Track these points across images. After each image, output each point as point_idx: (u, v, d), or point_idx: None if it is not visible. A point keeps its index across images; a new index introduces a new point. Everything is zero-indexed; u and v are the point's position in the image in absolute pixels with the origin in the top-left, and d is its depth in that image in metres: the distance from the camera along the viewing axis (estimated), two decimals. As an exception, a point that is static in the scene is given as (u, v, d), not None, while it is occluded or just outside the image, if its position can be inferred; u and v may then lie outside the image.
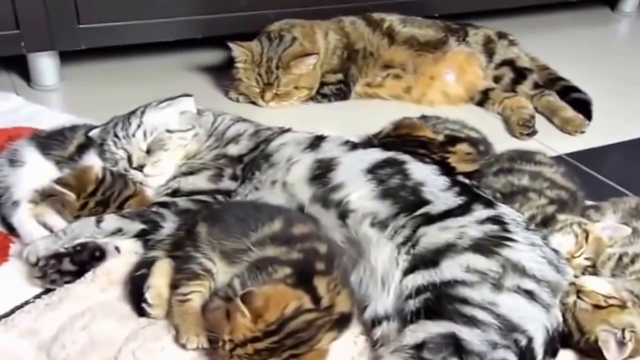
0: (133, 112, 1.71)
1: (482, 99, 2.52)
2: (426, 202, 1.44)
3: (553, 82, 2.61)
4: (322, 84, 2.50)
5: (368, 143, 1.87)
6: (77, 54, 2.46)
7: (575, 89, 2.55)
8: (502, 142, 2.11)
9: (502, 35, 2.65)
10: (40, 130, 1.81)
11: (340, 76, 2.52)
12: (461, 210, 1.41)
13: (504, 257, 1.32)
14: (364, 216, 1.45)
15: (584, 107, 2.46)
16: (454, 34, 2.59)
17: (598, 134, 2.36)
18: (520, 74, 2.56)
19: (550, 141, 2.29)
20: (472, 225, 1.37)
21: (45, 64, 2.42)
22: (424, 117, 2.01)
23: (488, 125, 2.23)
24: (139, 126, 1.66)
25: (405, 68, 2.51)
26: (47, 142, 1.69)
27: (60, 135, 1.72)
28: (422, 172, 1.52)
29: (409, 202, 1.45)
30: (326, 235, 1.43)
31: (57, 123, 1.95)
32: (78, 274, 1.46)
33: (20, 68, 2.47)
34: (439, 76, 2.51)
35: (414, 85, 2.51)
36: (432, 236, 1.37)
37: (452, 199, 1.44)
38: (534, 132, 2.32)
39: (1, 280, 1.48)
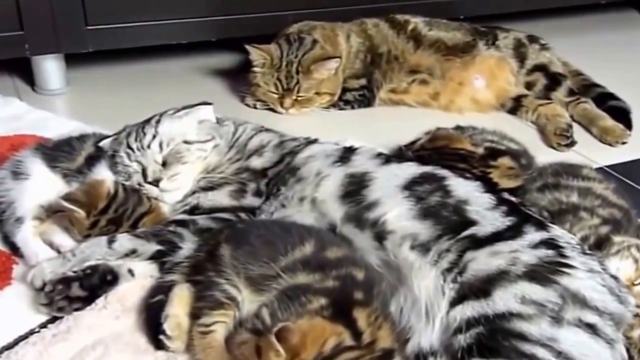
0: (147, 122, 1.59)
1: (514, 107, 2.40)
2: (471, 223, 1.32)
3: (588, 89, 2.49)
4: (345, 90, 2.40)
5: (400, 155, 1.75)
6: (84, 57, 2.38)
7: (613, 96, 2.42)
8: (537, 153, 1.97)
9: (533, 39, 2.53)
10: (46, 139, 1.73)
11: (363, 81, 2.42)
12: (511, 233, 1.29)
13: (562, 286, 1.20)
14: (404, 238, 1.33)
15: (622, 115, 2.33)
16: (482, 37, 2.48)
17: (640, 144, 2.23)
18: (554, 80, 2.44)
19: (589, 152, 2.17)
20: (525, 250, 1.25)
21: (50, 67, 2.34)
22: (459, 128, 1.88)
23: (521, 134, 2.09)
24: (154, 137, 1.54)
25: (432, 73, 2.40)
26: (54, 153, 1.59)
27: (67, 145, 1.62)
28: (464, 189, 1.40)
29: (452, 222, 1.33)
30: (362, 260, 1.31)
31: (63, 131, 1.90)
32: (88, 300, 1.34)
33: (24, 71, 2.40)
34: (468, 82, 2.40)
35: (442, 92, 2.40)
36: (482, 262, 1.25)
37: (499, 220, 1.32)
38: (573, 143, 2.19)
39: (3, 307, 1.36)
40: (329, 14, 2.52)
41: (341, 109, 2.40)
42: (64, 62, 2.36)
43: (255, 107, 2.36)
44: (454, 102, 2.40)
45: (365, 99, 2.43)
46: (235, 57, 2.68)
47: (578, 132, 2.27)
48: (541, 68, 2.46)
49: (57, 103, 2.32)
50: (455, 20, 2.58)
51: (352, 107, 2.41)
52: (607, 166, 2.08)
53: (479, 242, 1.28)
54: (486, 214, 1.33)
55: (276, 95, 2.29)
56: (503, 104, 2.41)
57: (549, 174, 1.71)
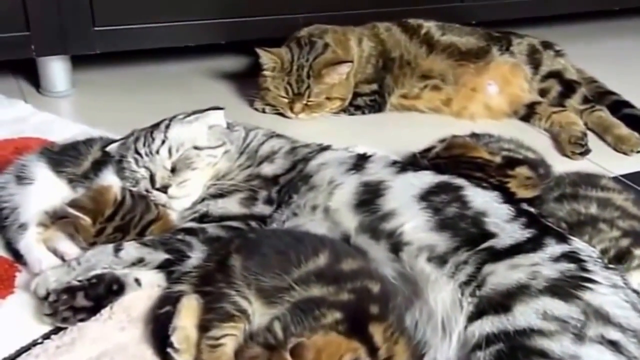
0: (156, 126, 1.55)
1: (528, 114, 2.36)
2: (490, 235, 1.29)
3: (602, 97, 2.44)
4: (355, 95, 2.36)
5: (414, 162, 1.71)
6: (90, 59, 2.36)
7: (627, 104, 2.37)
8: (551, 161, 1.92)
9: (547, 45, 2.49)
10: (51, 143, 1.69)
11: (374, 86, 2.38)
12: (531, 245, 1.25)
13: (585, 302, 1.15)
14: (420, 250, 1.29)
15: (637, 123, 2.29)
16: (496, 42, 2.44)
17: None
18: (569, 87, 2.39)
19: (604, 161, 2.13)
20: (545, 263, 1.21)
21: (56, 69, 2.31)
22: (475, 135, 1.83)
23: (534, 142, 2.04)
24: (163, 142, 1.50)
25: (444, 79, 2.36)
26: (59, 157, 1.55)
27: (73, 149, 1.58)
28: (482, 200, 1.36)
29: (470, 234, 1.29)
30: (377, 272, 1.27)
31: (68, 134, 1.87)
32: (93, 310, 1.29)
33: (30, 73, 2.37)
34: (481, 88, 2.36)
35: (454, 98, 2.36)
36: (501, 275, 1.21)
37: (519, 232, 1.29)
38: (587, 151, 2.15)
39: (5, 316, 1.31)
40: (340, 17, 2.49)
41: (351, 114, 2.36)
42: (70, 63, 2.33)
43: (264, 112, 2.33)
44: (467, 108, 2.36)
45: (377, 104, 2.39)
46: (244, 60, 2.65)
47: (592, 140, 2.22)
48: (556, 75, 2.42)
49: (62, 105, 2.28)
50: (468, 25, 2.54)
51: (363, 113, 2.38)
52: (622, 175, 2.03)
53: (497, 255, 1.24)
54: (505, 226, 1.29)
55: (286, 100, 2.25)
56: (516, 111, 2.37)
57: (567, 184, 1.66)
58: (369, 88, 2.37)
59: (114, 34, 2.29)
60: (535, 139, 2.16)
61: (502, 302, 1.16)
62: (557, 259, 1.22)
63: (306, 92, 2.23)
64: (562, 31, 3.05)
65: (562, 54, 2.48)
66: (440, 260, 1.26)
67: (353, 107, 2.36)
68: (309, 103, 2.25)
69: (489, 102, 2.36)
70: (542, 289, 1.16)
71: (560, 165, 1.92)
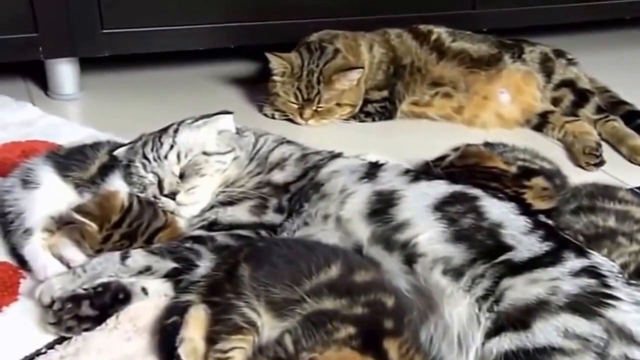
0: (165, 131, 1.51)
1: (540, 123, 2.33)
2: (507, 248, 1.25)
3: (615, 106, 2.40)
4: (366, 102, 2.33)
5: (426, 171, 1.67)
6: (98, 62, 2.34)
7: (641, 114, 2.34)
8: (564, 172, 1.89)
9: (559, 54, 2.46)
10: (58, 146, 1.66)
11: (385, 93, 2.36)
12: (550, 259, 1.21)
13: (607, 320, 1.11)
14: (435, 262, 1.25)
15: (652, 134, 2.25)
16: (508, 50, 2.40)
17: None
18: (582, 97, 2.36)
19: (618, 172, 2.09)
20: (565, 278, 1.17)
21: (64, 72, 2.29)
22: (488, 144, 1.80)
23: (546, 152, 2.02)
24: (171, 147, 1.47)
25: (456, 86, 2.33)
26: (66, 161, 1.52)
27: (80, 153, 1.55)
28: (498, 211, 1.32)
29: (486, 246, 1.25)
30: (391, 284, 1.23)
31: (76, 137, 1.86)
32: (98, 319, 1.26)
33: (38, 75, 2.35)
34: (493, 96, 2.32)
35: (466, 105, 2.33)
36: (520, 290, 1.16)
37: (537, 245, 1.25)
38: (602, 162, 2.11)
39: (9, 324, 1.29)
40: (351, 23, 2.46)
41: (361, 121, 2.34)
42: (78, 66, 2.31)
43: (273, 117, 2.30)
44: (478, 116, 2.32)
45: (387, 111, 2.36)
46: (253, 66, 2.64)
47: (606, 151, 2.18)
48: (568, 84, 2.38)
49: (70, 108, 2.27)
50: (479, 32, 2.51)
51: (373, 120, 2.35)
52: (638, 188, 1.98)
53: (515, 269, 1.20)
54: (522, 239, 1.26)
55: (296, 106, 2.23)
56: (528, 120, 2.34)
57: (584, 195, 1.62)
58: (380, 95, 2.35)
59: (122, 36, 2.27)
60: (547, 149, 2.12)
61: (521, 318, 1.12)
62: (577, 274, 1.18)
63: (316, 98, 2.21)
64: (573, 40, 3.01)
65: (575, 63, 2.45)
66: (456, 273, 1.23)
67: (363, 113, 2.33)
68: (319, 109, 2.23)
69: (501, 111, 2.32)
70: (563, 305, 1.12)
71: (574, 176, 1.89)
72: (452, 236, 1.27)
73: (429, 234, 1.28)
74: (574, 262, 1.20)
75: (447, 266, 1.24)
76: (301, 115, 2.23)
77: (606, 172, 2.09)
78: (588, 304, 1.12)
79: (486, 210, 1.31)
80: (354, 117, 2.32)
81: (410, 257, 1.27)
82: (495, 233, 1.27)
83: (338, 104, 2.24)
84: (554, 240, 1.26)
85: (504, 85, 2.32)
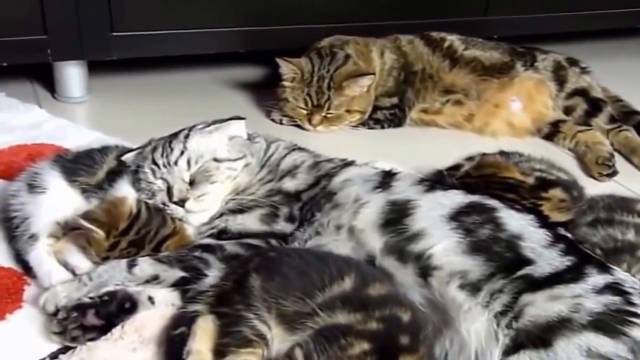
0: (175, 136, 1.48)
1: (551, 132, 2.31)
2: (527, 262, 1.21)
3: (628, 116, 2.38)
4: (375, 108, 2.31)
5: (439, 180, 1.64)
6: (106, 64, 2.31)
7: (654, 125, 2.32)
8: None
9: (573, 62, 2.43)
10: (65, 150, 1.63)
11: (395, 100, 2.33)
12: (572, 275, 1.18)
13: (632, 339, 1.08)
14: (451, 275, 1.22)
15: (664, 144, 2.23)
16: (520, 58, 2.38)
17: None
18: (595, 106, 2.33)
19: (630, 183, 2.06)
20: (588, 295, 1.14)
21: (72, 74, 2.27)
22: (503, 154, 1.77)
23: (558, 162, 1.99)
24: (182, 153, 1.43)
25: (467, 94, 2.31)
26: (73, 166, 1.49)
27: (88, 158, 1.51)
28: (517, 223, 1.28)
29: (505, 259, 1.22)
30: (407, 298, 1.19)
31: (83, 141, 1.84)
32: (103, 329, 1.23)
33: (45, 77, 2.33)
34: (505, 104, 2.30)
35: (477, 113, 2.31)
36: (540, 307, 1.13)
37: (558, 259, 1.21)
38: (615, 173, 2.09)
39: (12, 332, 1.25)
40: (362, 28, 2.44)
41: (370, 127, 2.31)
42: (87, 69, 2.29)
43: (281, 123, 2.28)
44: (489, 124, 2.30)
45: (396, 119, 2.33)
46: (261, 70, 2.61)
47: (617, 161, 2.16)
48: (581, 92, 2.35)
49: (77, 111, 2.24)
50: (490, 39, 2.48)
51: (382, 127, 2.32)
52: (653, 199, 1.96)
53: (536, 284, 1.17)
54: (543, 252, 1.22)
55: (305, 112, 2.20)
56: (539, 129, 2.32)
57: (601, 208, 1.60)
58: (390, 102, 2.32)
59: (132, 40, 2.25)
60: (558, 159, 2.08)
61: (542, 336, 1.09)
62: (600, 291, 1.14)
63: (326, 104, 2.18)
64: (584, 48, 2.97)
65: (588, 71, 2.42)
66: (473, 287, 1.19)
67: (372, 120, 2.31)
68: (328, 115, 2.20)
69: (512, 119, 2.30)
70: (586, 324, 1.09)
71: (586, 186, 1.84)
72: (468, 247, 1.23)
73: (444, 245, 1.24)
74: (596, 279, 1.17)
75: (464, 280, 1.20)
76: (310, 121, 2.20)
77: (618, 182, 2.06)
78: (612, 323, 1.09)
79: (505, 222, 1.28)
80: (363, 123, 2.29)
81: (425, 269, 1.24)
82: (515, 245, 1.23)
83: (348, 111, 2.22)
84: (575, 255, 1.22)
85: (515, 93, 2.30)
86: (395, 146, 2.21)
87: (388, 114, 2.32)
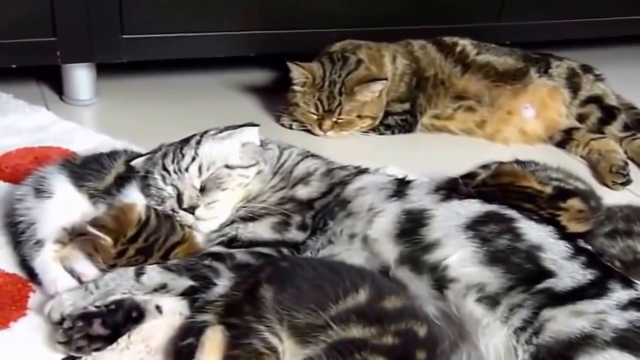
0: (187, 142, 1.45)
1: (564, 140, 2.28)
2: (548, 274, 1.18)
3: (641, 124, 2.35)
4: (386, 114, 2.27)
5: (453, 188, 1.60)
6: (115, 67, 2.29)
7: (668, 133, 2.29)
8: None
9: (587, 69, 2.40)
10: (73, 154, 1.61)
11: (406, 106, 2.30)
12: (595, 290, 1.15)
13: None
14: (468, 288, 1.19)
15: (677, 153, 2.21)
16: (534, 64, 2.35)
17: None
18: (609, 114, 2.31)
19: (643, 191, 2.03)
20: (612, 311, 1.11)
21: (80, 77, 2.24)
22: (519, 162, 1.72)
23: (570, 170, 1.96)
24: (193, 159, 1.40)
25: (480, 100, 2.28)
26: (81, 170, 1.46)
27: (96, 162, 1.49)
28: (536, 233, 1.25)
29: (525, 271, 1.19)
30: (423, 311, 1.16)
31: (90, 144, 1.83)
32: (110, 339, 1.20)
33: (53, 79, 2.30)
34: (517, 111, 2.27)
35: (489, 120, 2.28)
36: (562, 322, 1.10)
37: (580, 272, 1.18)
38: (629, 181, 2.06)
39: (16, 341, 1.22)
40: (374, 33, 2.41)
41: (381, 133, 2.28)
42: (95, 71, 2.27)
43: (291, 128, 2.25)
44: (501, 131, 2.28)
45: (407, 124, 2.31)
46: (271, 74, 2.59)
47: (631, 170, 2.13)
48: (595, 100, 2.33)
49: (85, 114, 2.22)
50: (503, 45, 2.45)
51: (393, 132, 2.29)
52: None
53: (557, 298, 1.14)
54: (564, 265, 1.19)
55: (315, 117, 2.18)
56: (552, 137, 2.30)
57: (619, 218, 1.56)
58: (401, 107, 2.29)
59: (142, 42, 2.22)
60: (571, 167, 2.05)
61: (564, 353, 1.06)
62: (624, 307, 1.11)
63: (337, 109, 2.15)
64: (597, 54, 2.94)
65: (602, 79, 2.40)
66: (491, 301, 1.16)
67: (383, 126, 2.28)
68: (339, 120, 2.17)
69: (524, 126, 2.28)
70: (610, 341, 1.06)
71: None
72: (486, 258, 1.20)
73: (460, 255, 1.21)
74: (620, 294, 1.14)
75: (481, 293, 1.17)
76: (320, 126, 2.18)
77: (632, 191, 2.04)
78: (637, 340, 1.06)
79: (524, 232, 1.25)
80: (374, 129, 2.26)
81: (440, 281, 1.21)
82: (534, 256, 1.20)
83: (359, 116, 2.19)
84: (598, 268, 1.20)
85: (528, 100, 2.27)
86: (406, 152, 2.18)
87: (399, 120, 2.29)
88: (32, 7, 2.05)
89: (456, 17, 2.64)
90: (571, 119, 2.31)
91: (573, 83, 2.33)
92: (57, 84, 2.28)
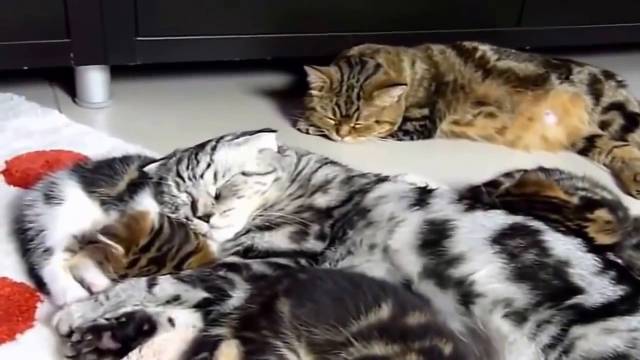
0: (202, 147, 1.41)
1: (586, 147, 2.25)
2: (577, 290, 1.14)
3: (663, 132, 2.31)
4: (405, 120, 2.24)
5: (476, 197, 1.55)
6: (129, 69, 2.27)
7: (690, 141, 2.25)
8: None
9: (609, 75, 2.36)
10: (85, 159, 1.60)
11: (426, 111, 2.26)
12: (627, 306, 1.11)
13: None
14: (495, 304, 1.14)
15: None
16: (555, 70, 2.31)
17: None
18: (632, 121, 2.27)
19: (669, 203, 1.97)
20: None
21: (94, 79, 2.22)
22: (543, 170, 1.67)
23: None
24: (209, 166, 1.36)
25: (501, 106, 2.24)
26: (93, 176, 1.43)
27: (109, 168, 1.45)
28: (563, 247, 1.21)
29: (553, 288, 1.15)
30: (448, 328, 1.11)
31: (103, 148, 1.82)
32: (120, 353, 1.16)
33: (66, 81, 2.29)
34: (539, 118, 2.24)
35: (510, 127, 2.24)
36: (593, 341, 1.06)
37: (610, 288, 1.14)
38: None
39: (22, 355, 1.18)
40: (392, 37, 2.37)
41: (400, 139, 2.24)
42: (109, 74, 2.24)
43: (307, 133, 2.22)
44: (522, 138, 2.24)
45: (426, 131, 2.27)
46: (288, 78, 2.57)
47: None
48: (618, 107, 2.29)
49: (98, 117, 2.20)
50: (522, 51, 2.42)
51: (412, 139, 2.26)
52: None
53: (587, 315, 1.10)
54: (593, 280, 1.15)
55: (333, 122, 2.15)
56: (574, 144, 2.26)
57: (647, 230, 1.50)
58: (420, 113, 2.26)
59: (157, 45, 2.20)
60: (593, 175, 2.01)
61: None
62: None
63: (355, 115, 2.12)
64: (619, 60, 2.87)
65: (624, 85, 2.36)
66: (519, 317, 1.12)
67: (402, 132, 2.24)
68: (357, 126, 2.14)
69: (546, 133, 2.24)
70: None
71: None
72: (513, 274, 1.16)
73: (487, 271, 1.17)
74: None
75: (509, 309, 1.13)
76: (338, 131, 2.14)
77: (655, 201, 1.99)
78: None
79: (551, 246, 1.21)
80: (392, 135, 2.23)
81: (467, 296, 1.17)
82: (562, 272, 1.16)
83: (377, 122, 2.16)
84: (629, 284, 1.16)
85: (550, 106, 2.24)
86: (425, 159, 2.15)
87: (418, 126, 2.26)
88: (45, 8, 2.03)
89: (476, 21, 2.60)
90: (593, 126, 2.27)
91: (595, 90, 2.29)
92: (70, 87, 2.26)
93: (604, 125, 2.27)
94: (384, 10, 2.44)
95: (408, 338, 1.02)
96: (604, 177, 2.08)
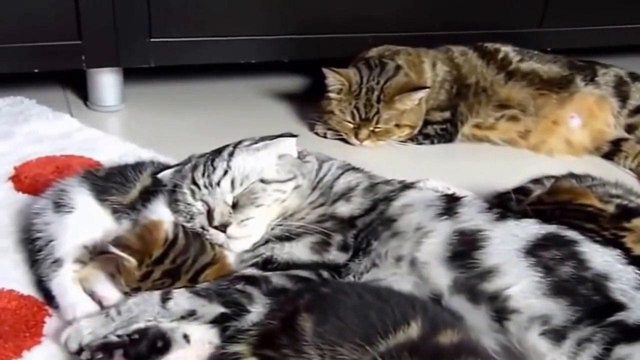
0: (218, 153, 1.35)
1: (612, 151, 2.20)
2: (618, 306, 1.08)
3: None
4: (426, 123, 2.20)
5: (501, 204, 1.50)
6: (142, 72, 2.24)
7: None
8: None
9: (635, 77, 2.30)
10: (97, 165, 1.57)
11: (447, 114, 2.22)
12: None
13: None
14: (531, 320, 1.08)
15: None
16: (580, 72, 2.26)
17: None
18: None
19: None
20: None
21: (106, 82, 2.20)
22: (574, 176, 1.62)
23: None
24: (225, 172, 1.29)
25: (524, 109, 2.19)
26: (104, 183, 1.38)
27: (120, 175, 1.41)
28: (601, 259, 1.15)
29: (593, 303, 1.08)
30: (482, 347, 1.05)
31: (115, 153, 1.79)
32: (132, 371, 1.10)
33: (78, 84, 2.27)
34: (563, 121, 2.19)
35: (533, 130, 2.20)
36: None
37: None
38: None
39: (29, 372, 1.13)
40: (412, 38, 2.33)
41: (420, 143, 2.20)
42: (122, 76, 2.22)
43: (325, 137, 2.18)
44: (545, 142, 2.19)
45: (447, 134, 2.23)
46: (305, 80, 2.55)
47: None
48: None
49: (110, 121, 2.17)
50: (544, 52, 2.37)
51: (432, 142, 2.22)
52: None
53: (631, 333, 1.03)
54: (635, 295, 1.09)
55: (352, 125, 2.10)
56: (598, 148, 2.22)
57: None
58: (441, 116, 2.21)
59: (171, 46, 2.17)
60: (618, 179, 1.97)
61: None
62: None
63: (374, 118, 2.08)
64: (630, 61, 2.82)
65: (651, 87, 2.31)
66: (557, 335, 1.06)
67: (422, 135, 2.20)
68: (376, 130, 2.10)
69: (570, 137, 2.20)
70: None
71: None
72: (550, 288, 1.10)
73: (522, 285, 1.11)
74: None
75: (546, 326, 1.07)
76: (356, 135, 2.10)
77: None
78: None
79: (588, 258, 1.14)
80: (412, 139, 2.18)
81: (501, 312, 1.10)
82: (602, 287, 1.10)
83: (397, 125, 2.11)
84: None
85: (575, 109, 2.19)
86: (445, 163, 2.11)
87: (439, 129, 2.21)
88: (56, 9, 2.00)
89: (497, 22, 2.56)
90: (619, 129, 2.22)
91: (621, 92, 2.24)
92: (82, 90, 2.24)
93: (630, 129, 2.22)
94: (403, 10, 2.40)
95: (439, 358, 0.95)
96: (631, 182, 2.02)
